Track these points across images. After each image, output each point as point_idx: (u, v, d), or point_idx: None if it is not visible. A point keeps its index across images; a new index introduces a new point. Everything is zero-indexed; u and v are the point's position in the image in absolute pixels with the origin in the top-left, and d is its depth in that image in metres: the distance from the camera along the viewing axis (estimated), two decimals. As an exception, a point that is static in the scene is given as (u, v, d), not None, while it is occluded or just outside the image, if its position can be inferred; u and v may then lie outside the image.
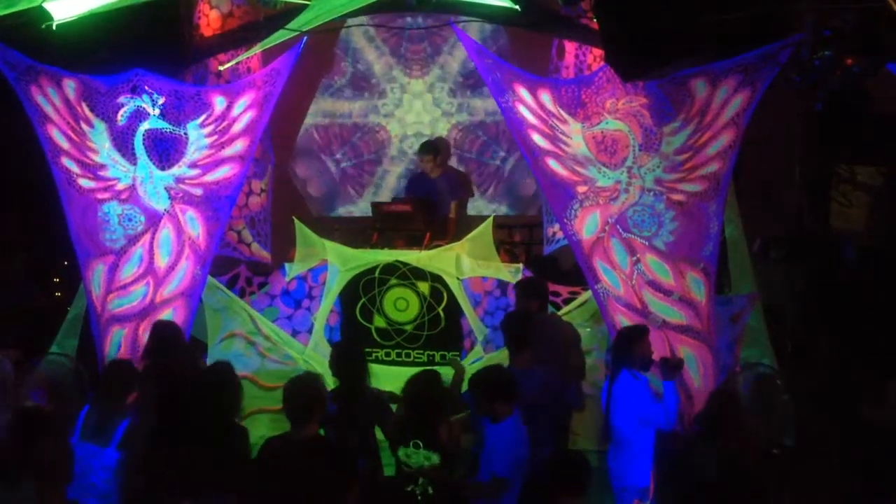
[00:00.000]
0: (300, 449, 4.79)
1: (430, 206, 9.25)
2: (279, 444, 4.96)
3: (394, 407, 6.16)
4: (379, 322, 8.70)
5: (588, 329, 8.11)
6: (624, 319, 6.80)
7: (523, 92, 6.93)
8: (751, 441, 5.56)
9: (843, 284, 8.16)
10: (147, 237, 7.19)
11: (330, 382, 6.08)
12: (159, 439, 5.34)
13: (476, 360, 8.26)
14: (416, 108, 10.73)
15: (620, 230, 6.81)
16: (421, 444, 5.30)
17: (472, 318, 8.58)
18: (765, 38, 6.33)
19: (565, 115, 6.86)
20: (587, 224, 6.89)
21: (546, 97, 6.91)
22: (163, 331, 6.72)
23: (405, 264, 8.68)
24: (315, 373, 5.40)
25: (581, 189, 6.89)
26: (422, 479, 5.27)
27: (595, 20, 7.08)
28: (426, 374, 5.69)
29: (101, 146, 7.12)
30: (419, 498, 5.27)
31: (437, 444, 5.28)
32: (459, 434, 5.32)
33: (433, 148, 9.76)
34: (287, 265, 8.93)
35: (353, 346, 7.33)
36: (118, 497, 5.50)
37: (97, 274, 7.19)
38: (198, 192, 7.22)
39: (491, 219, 8.93)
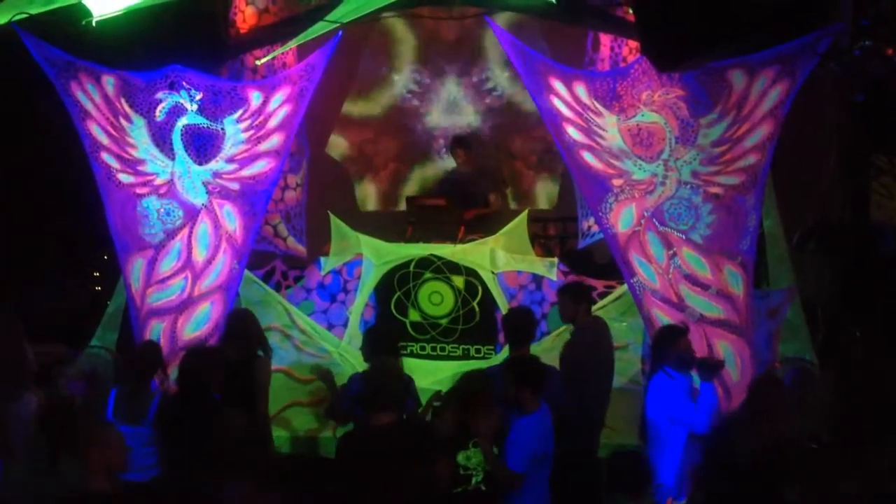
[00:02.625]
0: (381, 435, 4.82)
1: (463, 200, 9.24)
2: (358, 434, 5.03)
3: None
4: (414, 316, 8.70)
5: (624, 324, 8.08)
6: (660, 314, 6.76)
7: (558, 85, 6.90)
8: (790, 430, 5.54)
9: (883, 277, 8.05)
10: (185, 231, 7.26)
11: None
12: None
13: (511, 353, 8.24)
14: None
15: (657, 223, 6.77)
16: None
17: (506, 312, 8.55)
18: (803, 29, 6.25)
19: (600, 108, 6.82)
20: (623, 217, 6.86)
21: (581, 90, 6.87)
22: (228, 318, 6.98)
23: (440, 258, 8.68)
24: (391, 362, 5.43)
25: (616, 182, 6.86)
26: (474, 479, 5.30)
27: (631, 12, 7.04)
28: (478, 374, 5.70)
29: (140, 141, 7.20)
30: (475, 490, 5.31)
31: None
32: (498, 425, 5.32)
33: (464, 142, 9.75)
34: (322, 259, 8.95)
35: (387, 330, 7.45)
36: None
37: (136, 268, 7.27)
38: (234, 186, 7.28)
39: (525, 212, 8.91)
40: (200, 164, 7.26)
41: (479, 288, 8.62)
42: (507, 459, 5.22)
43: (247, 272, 7.85)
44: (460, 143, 9.72)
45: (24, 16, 6.56)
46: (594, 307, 8.10)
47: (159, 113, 7.15)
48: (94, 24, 6.45)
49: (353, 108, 11.13)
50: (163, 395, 6.16)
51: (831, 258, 8.21)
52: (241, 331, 6.82)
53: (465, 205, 9.22)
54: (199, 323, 7.25)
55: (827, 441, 6.58)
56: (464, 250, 8.68)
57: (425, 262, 8.70)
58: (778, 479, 4.88)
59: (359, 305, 8.77)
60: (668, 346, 6.07)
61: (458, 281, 8.66)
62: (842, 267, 8.24)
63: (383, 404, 4.90)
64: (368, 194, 11.24)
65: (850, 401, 7.02)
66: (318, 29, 7.14)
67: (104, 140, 7.20)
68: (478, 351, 8.57)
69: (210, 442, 5.21)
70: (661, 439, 5.91)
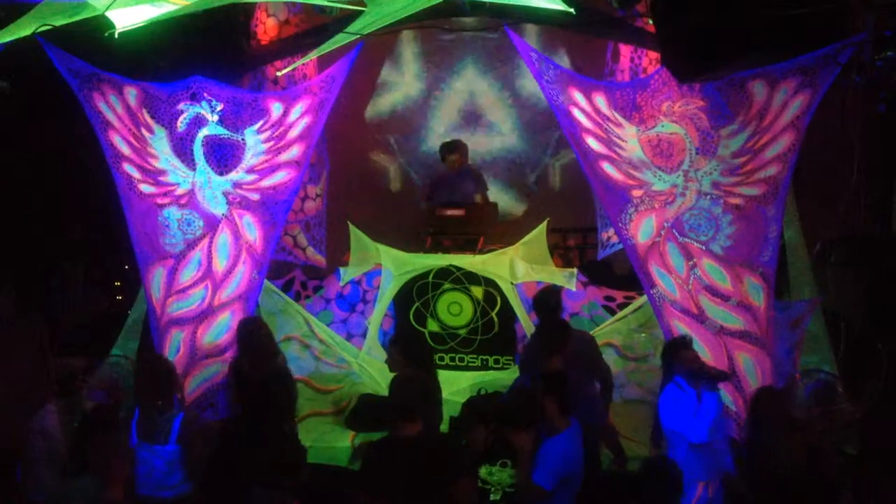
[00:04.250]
0: (407, 447, 4.82)
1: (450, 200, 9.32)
2: (383, 444, 4.99)
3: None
4: (432, 326, 8.71)
5: (643, 335, 8.05)
6: (679, 325, 6.73)
7: (578, 95, 6.90)
8: (801, 441, 5.52)
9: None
10: (205, 241, 7.31)
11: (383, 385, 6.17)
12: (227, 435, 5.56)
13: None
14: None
15: (676, 234, 6.75)
16: (509, 463, 5.29)
17: (525, 323, 8.55)
18: (825, 39, 6.22)
19: (620, 119, 6.81)
20: (642, 228, 6.84)
21: (601, 101, 6.87)
22: (242, 328, 6.95)
23: (459, 268, 8.68)
24: (417, 373, 5.43)
25: (636, 193, 6.84)
26: (491, 496, 5.28)
27: (651, 22, 7.03)
28: (527, 393, 5.65)
29: (162, 152, 7.25)
30: None
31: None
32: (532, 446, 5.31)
33: (456, 147, 9.77)
34: (342, 269, 8.99)
35: (418, 339, 7.60)
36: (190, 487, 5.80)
37: (157, 278, 7.32)
38: (255, 196, 7.32)
39: (545, 223, 8.90)
40: (221, 174, 7.31)
41: (498, 298, 8.63)
42: (533, 475, 5.19)
43: (266, 282, 7.88)
44: (452, 149, 9.72)
45: (48, 27, 6.61)
46: (614, 318, 8.11)
47: (181, 124, 7.20)
48: (116, 35, 6.49)
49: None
50: (187, 412, 6.16)
51: (854, 269, 8.15)
52: (255, 342, 6.86)
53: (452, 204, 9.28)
54: (219, 332, 7.28)
55: (855, 452, 6.54)
56: (483, 261, 8.68)
57: (444, 273, 8.71)
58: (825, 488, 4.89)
59: (378, 316, 8.79)
60: (671, 358, 6.07)
61: (477, 291, 8.67)
62: (864, 278, 8.17)
63: (410, 415, 4.90)
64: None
65: (875, 412, 6.97)
66: (339, 40, 7.16)
67: (126, 150, 7.26)
68: (496, 361, 8.57)
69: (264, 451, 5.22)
70: (669, 448, 5.94)
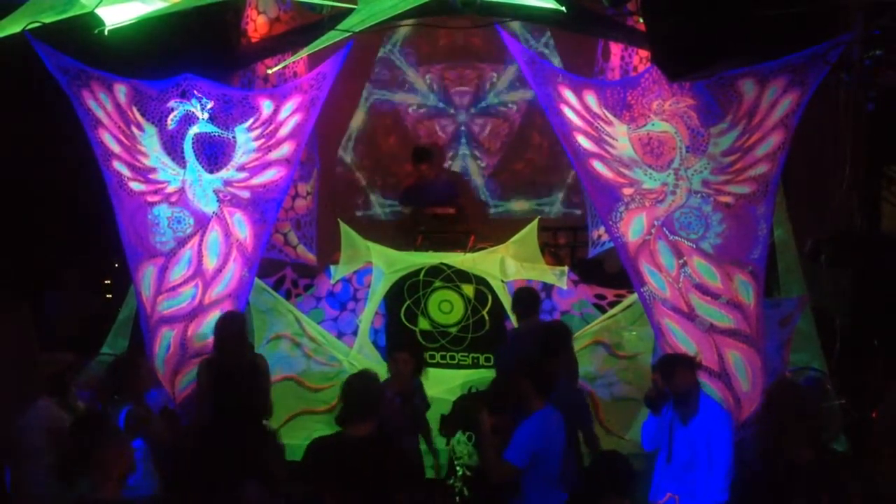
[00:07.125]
0: (356, 446, 4.80)
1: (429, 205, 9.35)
2: (332, 442, 4.98)
3: None
4: (423, 324, 8.72)
5: (634, 333, 8.07)
6: (670, 323, 6.74)
7: (568, 93, 6.89)
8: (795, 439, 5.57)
9: (893, 287, 8.01)
10: (196, 239, 7.28)
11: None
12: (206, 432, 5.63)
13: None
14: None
15: (667, 232, 6.75)
16: (473, 438, 5.40)
17: (516, 321, 8.55)
18: (814, 38, 6.24)
19: (610, 117, 6.81)
20: (633, 226, 6.84)
21: (591, 99, 6.86)
22: (221, 324, 6.93)
23: (450, 267, 8.69)
24: (372, 371, 5.46)
25: (627, 191, 6.84)
26: (460, 473, 5.36)
27: (641, 21, 7.04)
28: (503, 379, 5.79)
29: (152, 150, 7.22)
30: (458, 492, 5.36)
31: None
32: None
33: (427, 154, 9.76)
34: (332, 267, 8.99)
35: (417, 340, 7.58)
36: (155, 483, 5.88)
37: (147, 276, 7.28)
38: (245, 194, 7.30)
39: (535, 221, 8.92)
40: (211, 172, 7.28)
41: (489, 296, 8.64)
42: (505, 452, 5.34)
43: (257, 280, 7.86)
44: (423, 156, 9.73)
45: (38, 24, 6.58)
46: (604, 316, 8.13)
47: (171, 121, 7.17)
48: (106, 33, 6.47)
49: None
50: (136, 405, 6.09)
51: (844, 268, 8.18)
52: (237, 337, 6.87)
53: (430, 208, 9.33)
54: (210, 331, 7.24)
55: (844, 450, 6.58)
56: (474, 259, 8.70)
57: (435, 271, 8.72)
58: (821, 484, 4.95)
59: (368, 314, 8.79)
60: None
61: (468, 289, 8.68)
62: (854, 277, 8.20)
63: (361, 414, 4.89)
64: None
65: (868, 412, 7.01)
66: (330, 38, 7.15)
67: (116, 148, 7.22)
68: (487, 359, 8.58)
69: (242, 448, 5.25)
70: None
